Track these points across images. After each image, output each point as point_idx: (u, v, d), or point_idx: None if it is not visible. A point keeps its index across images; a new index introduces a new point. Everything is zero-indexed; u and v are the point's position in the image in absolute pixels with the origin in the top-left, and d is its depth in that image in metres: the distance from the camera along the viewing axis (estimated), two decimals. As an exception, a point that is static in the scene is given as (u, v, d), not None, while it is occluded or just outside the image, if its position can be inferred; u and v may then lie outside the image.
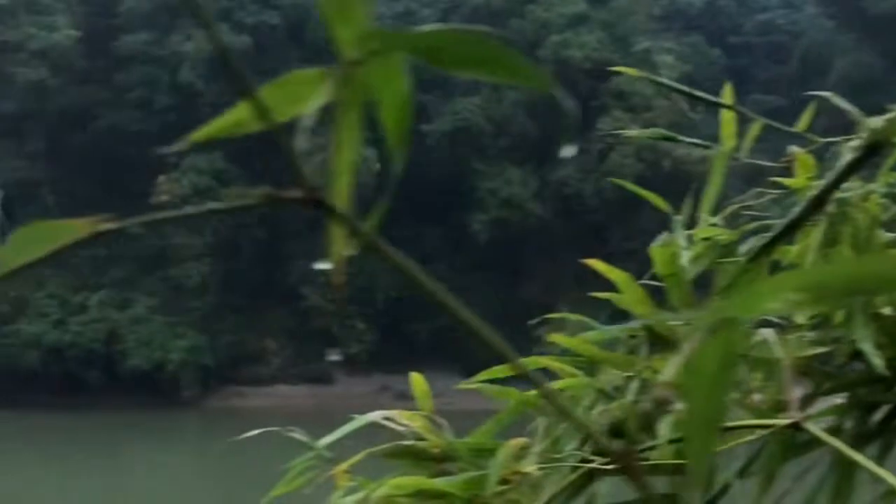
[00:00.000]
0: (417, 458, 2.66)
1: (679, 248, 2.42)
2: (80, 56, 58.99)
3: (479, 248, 57.76)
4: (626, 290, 2.39)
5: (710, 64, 64.08)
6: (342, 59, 0.87)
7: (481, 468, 2.57)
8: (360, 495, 2.66)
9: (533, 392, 2.64)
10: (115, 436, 50.53)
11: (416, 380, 2.86)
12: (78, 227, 0.82)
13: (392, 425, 2.77)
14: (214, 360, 57.25)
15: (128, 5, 60.49)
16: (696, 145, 2.99)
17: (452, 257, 59.06)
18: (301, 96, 0.91)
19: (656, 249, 2.43)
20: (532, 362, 2.74)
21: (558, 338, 2.56)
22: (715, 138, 2.70)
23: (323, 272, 0.90)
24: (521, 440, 2.56)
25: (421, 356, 57.97)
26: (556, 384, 2.64)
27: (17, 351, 55.71)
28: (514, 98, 58.15)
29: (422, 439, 2.69)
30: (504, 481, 2.46)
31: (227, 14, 57.72)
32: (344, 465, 2.83)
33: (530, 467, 2.46)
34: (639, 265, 2.48)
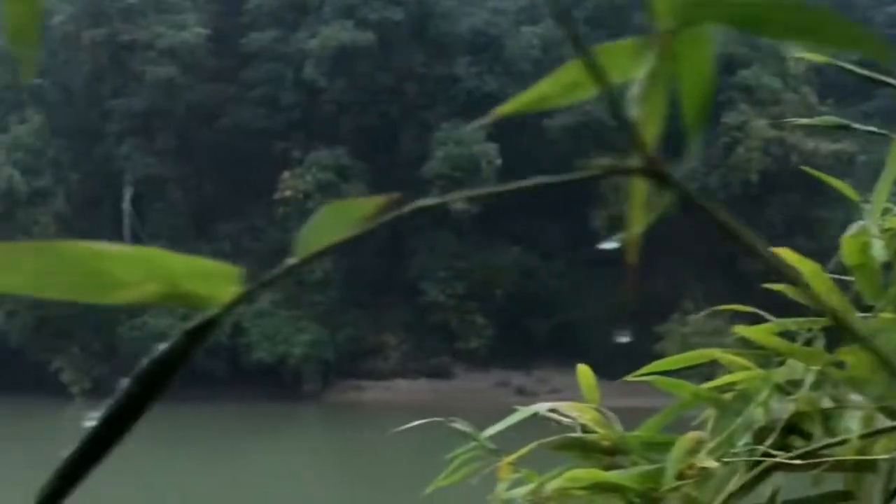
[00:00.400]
0: (586, 450, 2.62)
1: (870, 238, 2.33)
2: (207, 54, 60.04)
3: (599, 242, 57.31)
4: (816, 281, 2.30)
5: (838, 57, 62.51)
6: (656, 29, 0.83)
7: (653, 462, 2.52)
8: (528, 487, 2.62)
9: (706, 385, 2.58)
10: (239, 427, 51.40)
11: (583, 372, 2.82)
12: (378, 205, 0.82)
13: (557, 417, 2.74)
14: (335, 355, 57.84)
15: (255, 3, 61.41)
16: (873, 133, 2.89)
17: (573, 253, 58.74)
18: (619, 66, 0.88)
19: (847, 239, 2.35)
20: (702, 355, 2.68)
21: (744, 329, 2.49)
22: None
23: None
24: (696, 434, 2.50)
25: (540, 352, 57.92)
26: (728, 378, 2.58)
27: (145, 344, 56.28)
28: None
29: (590, 432, 2.65)
30: (679, 476, 2.41)
31: (352, 11, 58.21)
32: (511, 457, 2.80)
33: (709, 462, 2.40)
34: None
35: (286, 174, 57.45)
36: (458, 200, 0.79)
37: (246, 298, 0.80)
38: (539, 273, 59.16)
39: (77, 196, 59.84)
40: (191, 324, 0.72)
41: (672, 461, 2.39)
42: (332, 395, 57.44)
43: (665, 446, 2.51)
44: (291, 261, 0.82)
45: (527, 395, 55.39)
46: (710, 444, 2.47)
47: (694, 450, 2.45)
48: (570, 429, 2.68)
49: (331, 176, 57.18)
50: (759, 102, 55.09)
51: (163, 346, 0.81)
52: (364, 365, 59.03)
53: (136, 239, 60.38)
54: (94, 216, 60.64)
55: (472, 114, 44.50)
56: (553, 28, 61.29)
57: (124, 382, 0.80)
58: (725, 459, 2.40)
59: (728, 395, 2.58)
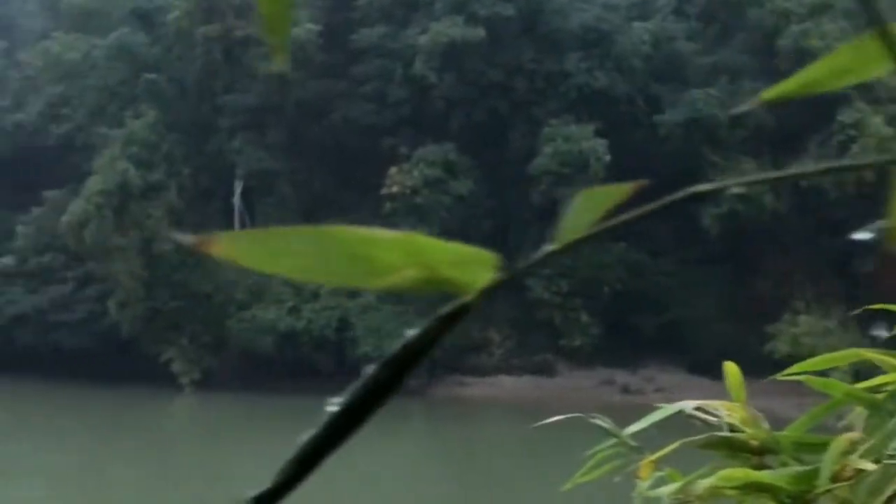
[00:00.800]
0: (734, 450, 2.57)
1: None
2: (318, 50, 60.58)
3: (709, 241, 56.56)
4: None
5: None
6: None
7: (804, 463, 2.46)
8: (674, 486, 2.58)
9: (859, 385, 2.51)
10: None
11: (731, 370, 2.75)
12: (628, 191, 0.84)
13: (703, 416, 2.69)
14: (439, 350, 57.67)
15: (366, -1, 61.99)
16: None
17: (682, 251, 58.11)
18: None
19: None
20: (851, 355, 2.61)
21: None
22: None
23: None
24: (852, 435, 2.43)
25: (646, 350, 57.41)
26: (881, 378, 2.51)
27: (254, 336, 57.72)
28: (752, 88, 56.66)
29: (737, 431, 2.60)
30: (833, 478, 2.35)
31: (462, 6, 58.24)
32: (654, 455, 2.76)
33: (864, 464, 2.33)
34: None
35: (394, 170, 57.67)
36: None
37: (502, 285, 0.80)
38: (646, 271, 58.58)
39: (189, 190, 60.79)
40: (445, 309, 0.73)
41: (827, 462, 2.33)
42: (436, 390, 57.53)
43: (816, 447, 2.45)
44: (550, 247, 0.81)
45: (632, 394, 54.96)
46: (865, 446, 2.41)
47: (848, 451, 2.39)
48: (715, 427, 2.63)
49: (438, 172, 57.28)
50: (875, 100, 53.83)
51: (413, 332, 0.80)
52: (468, 361, 59.00)
53: (246, 233, 61.35)
54: (204, 210, 61.63)
55: (582, 110, 44.38)
56: (664, 24, 60.65)
57: (370, 368, 0.80)
58: (883, 462, 2.34)
59: (880, 396, 2.52)
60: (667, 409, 2.73)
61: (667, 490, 2.56)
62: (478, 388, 57.61)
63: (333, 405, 0.80)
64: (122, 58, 62.67)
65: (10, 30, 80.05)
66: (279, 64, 0.91)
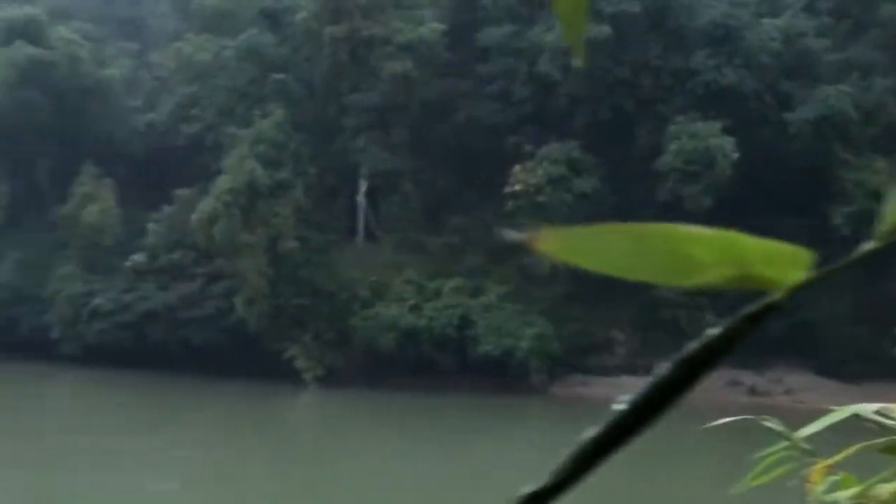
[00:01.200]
0: (916, 455, 2.46)
1: None
2: (443, 49, 60.79)
3: (840, 241, 55.19)
4: None
5: None
6: None
7: None
8: (853, 490, 2.49)
9: None
10: (465, 418, 51.85)
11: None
12: None
13: (880, 419, 2.58)
14: (561, 349, 57.57)
15: (492, -3, 61.96)
16: None
17: (812, 250, 56.71)
18: None
19: None
20: None
21: None
22: None
23: None
24: None
25: (774, 352, 56.17)
26: None
27: (376, 333, 58.13)
28: (885, 85, 55.20)
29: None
30: None
31: (589, 4, 57.75)
32: (831, 459, 2.67)
33: None
34: None
35: (517, 168, 57.44)
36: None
37: (814, 283, 0.76)
38: (775, 270, 57.32)
39: (314, 189, 61.43)
40: (750, 308, 0.72)
41: None
42: (557, 389, 57.28)
43: None
44: (869, 245, 0.80)
45: (759, 396, 54.00)
46: None
47: None
48: (891, 431, 2.53)
49: (562, 170, 56.92)
50: None
51: (714, 331, 0.78)
52: (590, 360, 58.63)
53: (369, 232, 61.84)
54: (329, 208, 62.29)
55: (710, 107, 43.74)
56: (794, 20, 59.41)
57: (662, 366, 0.77)
58: None
59: None
60: (842, 412, 2.63)
61: (845, 494, 2.46)
62: (600, 387, 57.07)
63: (621, 403, 0.78)
64: (250, 58, 63.66)
65: (142, 32, 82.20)
66: (579, 63, 0.93)
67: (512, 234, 0.76)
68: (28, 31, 71.47)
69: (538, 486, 0.71)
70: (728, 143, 55.15)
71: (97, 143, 70.51)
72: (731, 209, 54.62)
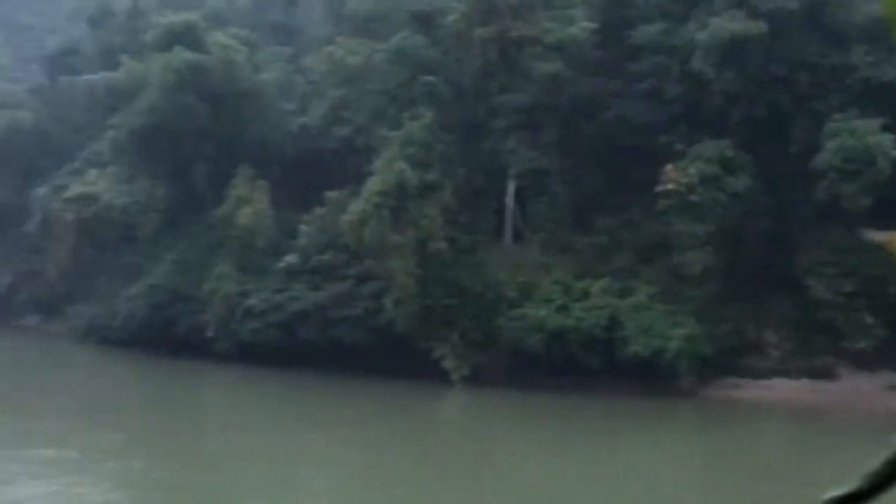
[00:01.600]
0: None
1: None
2: (593, 48, 60.55)
3: None
4: None
5: None
6: None
7: None
8: None
9: None
10: (612, 420, 51.50)
11: None
12: None
13: None
14: (711, 350, 56.66)
15: (645, -5, 61.49)
16: None
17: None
18: None
19: None
20: None
21: None
22: None
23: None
24: None
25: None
26: None
27: (523, 334, 58.10)
28: None
29: None
30: None
31: (743, 1, 56.90)
32: None
33: None
34: None
35: (668, 167, 56.76)
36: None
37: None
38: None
39: (462, 190, 61.76)
40: None
41: None
42: (708, 391, 56.37)
43: None
44: None
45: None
46: None
47: None
48: None
49: (715, 168, 56.05)
50: None
51: None
52: (742, 362, 57.52)
53: (518, 233, 61.92)
54: (477, 209, 62.51)
55: (868, 104, 42.64)
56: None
57: None
58: None
59: None
60: None
61: None
62: (752, 390, 56.07)
63: None
64: (401, 61, 64.35)
65: (296, 37, 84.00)
66: None
67: (878, 235, 0.74)
68: (186, 37, 73.67)
69: (850, 489, 0.69)
70: (888, 140, 53.63)
71: (252, 146, 72.23)
72: (891, 208, 53.14)
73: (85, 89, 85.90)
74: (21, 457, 39.53)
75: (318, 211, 66.24)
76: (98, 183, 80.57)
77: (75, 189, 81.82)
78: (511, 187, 61.84)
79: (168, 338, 70.07)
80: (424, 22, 65.06)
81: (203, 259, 71.37)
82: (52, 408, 53.79)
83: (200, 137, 73.33)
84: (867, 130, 53.88)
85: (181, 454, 41.84)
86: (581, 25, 59.23)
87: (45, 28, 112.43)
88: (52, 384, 62.51)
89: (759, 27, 55.56)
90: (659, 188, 56.34)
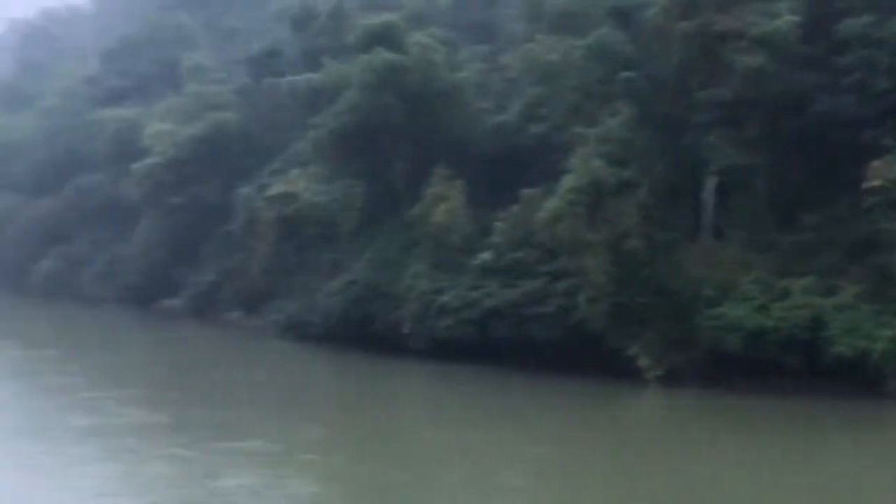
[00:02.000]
0: None
1: None
2: (798, 41, 59.05)
3: None
4: None
5: None
6: None
7: None
8: None
9: None
10: (814, 424, 50.16)
11: None
12: None
13: None
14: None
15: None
16: None
17: None
18: None
19: None
20: None
21: None
22: None
23: None
24: None
25: None
26: None
27: (721, 333, 56.99)
28: None
29: None
30: None
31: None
32: None
33: None
34: None
35: (876, 163, 54.87)
36: None
37: None
38: None
39: (659, 187, 61.04)
40: None
41: None
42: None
43: None
44: None
45: None
46: None
47: None
48: None
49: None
50: None
51: None
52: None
53: (716, 230, 60.89)
54: (673, 207, 61.74)
55: None
56: None
57: None
58: None
59: None
60: None
61: None
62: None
63: None
64: (599, 57, 64.07)
65: (493, 34, 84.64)
66: None
67: None
68: (386, 37, 75.25)
69: None
70: None
71: (449, 145, 73.18)
72: None
73: (288, 90, 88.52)
74: (228, 448, 41.06)
75: (513, 209, 66.54)
76: (299, 182, 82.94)
77: (277, 188, 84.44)
78: (710, 183, 60.87)
79: (365, 334, 71.59)
80: (623, 17, 64.66)
81: (399, 257, 72.67)
82: (255, 401, 55.70)
83: (398, 136, 74.74)
84: None
85: (380, 450, 42.66)
86: (786, 19, 57.85)
87: (249, 31, 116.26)
88: (254, 378, 64.70)
89: None
90: (865, 185, 54.56)
